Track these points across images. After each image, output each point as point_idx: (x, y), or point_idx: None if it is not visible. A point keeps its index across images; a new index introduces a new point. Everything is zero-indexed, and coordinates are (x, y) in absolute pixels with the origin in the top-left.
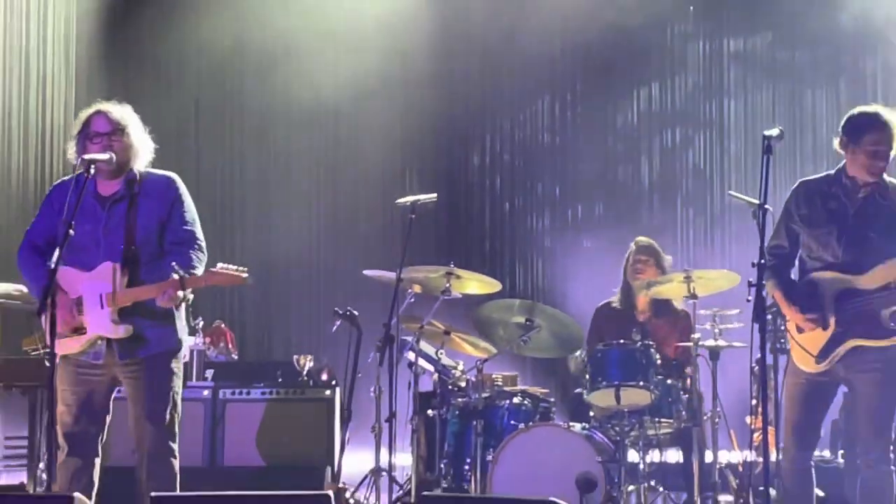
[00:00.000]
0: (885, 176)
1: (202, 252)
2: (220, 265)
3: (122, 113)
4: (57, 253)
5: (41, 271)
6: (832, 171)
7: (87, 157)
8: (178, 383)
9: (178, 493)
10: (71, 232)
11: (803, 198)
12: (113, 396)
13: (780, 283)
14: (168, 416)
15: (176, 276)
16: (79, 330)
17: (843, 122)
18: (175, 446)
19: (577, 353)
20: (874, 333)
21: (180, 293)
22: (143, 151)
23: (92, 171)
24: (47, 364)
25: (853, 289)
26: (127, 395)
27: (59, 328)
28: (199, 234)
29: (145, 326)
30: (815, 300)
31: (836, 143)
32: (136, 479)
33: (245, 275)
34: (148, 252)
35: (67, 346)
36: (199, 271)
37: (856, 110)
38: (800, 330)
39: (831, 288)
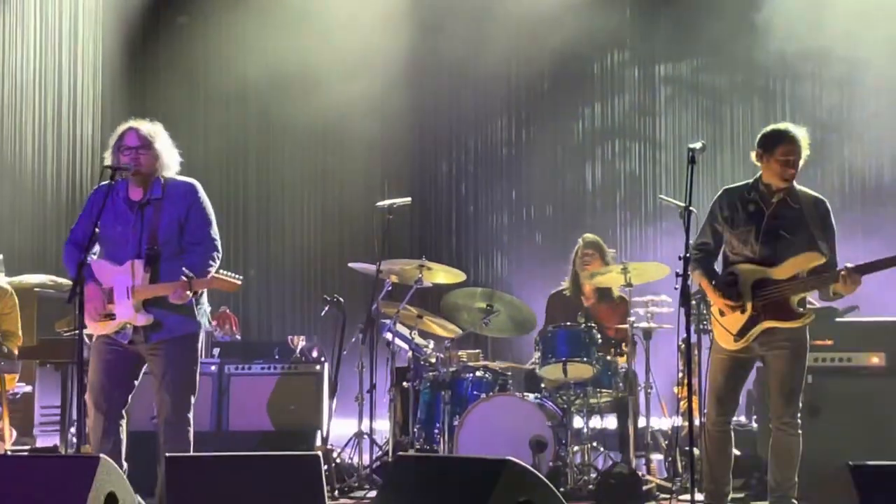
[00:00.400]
0: (794, 183)
1: (217, 251)
2: (222, 272)
3: (151, 129)
4: (87, 250)
5: (74, 264)
6: (750, 180)
7: (106, 164)
8: (194, 362)
9: (189, 453)
10: (96, 230)
11: (726, 202)
12: (141, 372)
13: (706, 273)
14: (183, 391)
15: (185, 278)
16: (110, 316)
17: (758, 137)
18: (190, 416)
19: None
20: (784, 316)
21: (188, 292)
22: (169, 161)
23: (118, 177)
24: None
25: (767, 278)
26: (151, 372)
27: (92, 314)
28: (215, 234)
29: (164, 315)
30: (735, 288)
31: (752, 155)
32: (156, 442)
33: (239, 281)
34: (169, 251)
35: (101, 328)
36: (214, 269)
37: (769, 127)
38: (722, 313)
39: (750, 278)
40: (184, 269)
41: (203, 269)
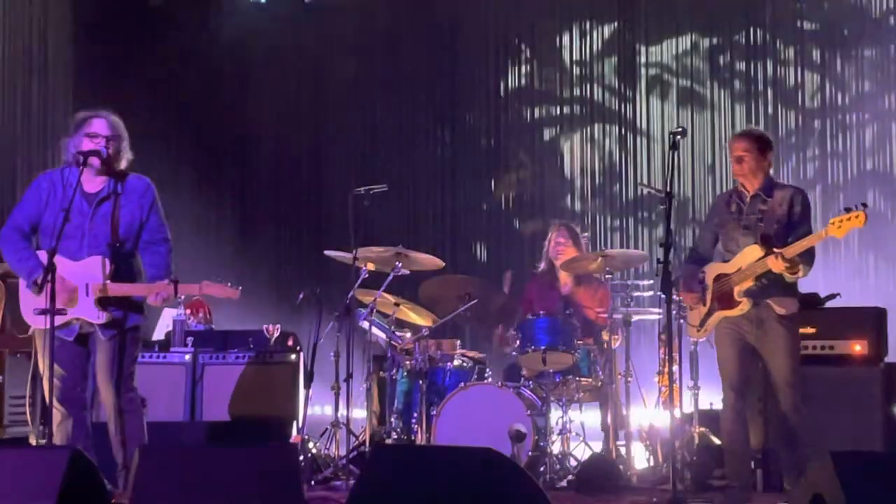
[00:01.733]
0: (772, 178)
1: (171, 252)
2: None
3: (118, 121)
4: (57, 238)
5: (28, 252)
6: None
7: (85, 150)
8: (137, 351)
9: (163, 443)
10: (67, 220)
11: (716, 206)
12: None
13: (688, 272)
14: (130, 379)
15: (167, 282)
16: (60, 311)
17: None
18: (137, 399)
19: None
20: (727, 305)
21: (171, 296)
22: (127, 156)
23: (87, 164)
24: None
25: (722, 273)
26: (97, 364)
27: (40, 308)
28: (169, 236)
29: (119, 311)
30: (702, 284)
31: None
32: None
33: (236, 291)
34: (128, 248)
35: (46, 322)
36: (171, 268)
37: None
38: (690, 308)
39: (712, 274)
40: (165, 266)
41: (169, 270)
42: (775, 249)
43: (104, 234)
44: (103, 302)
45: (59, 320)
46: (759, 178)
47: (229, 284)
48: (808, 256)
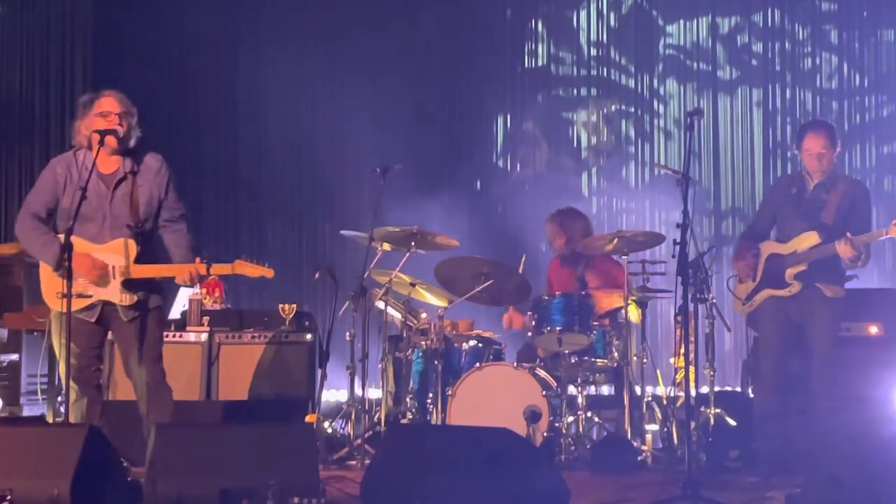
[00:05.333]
0: (836, 167)
1: (190, 229)
2: (245, 259)
3: (126, 98)
4: (73, 220)
5: (49, 237)
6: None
7: (101, 129)
8: (163, 332)
9: (180, 422)
10: (84, 198)
11: (777, 188)
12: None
13: (737, 247)
14: (158, 358)
15: (199, 261)
16: (83, 294)
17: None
18: (167, 381)
19: None
20: (777, 285)
21: (201, 276)
22: (136, 133)
23: (103, 143)
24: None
25: (776, 253)
26: (121, 343)
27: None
28: (185, 211)
29: (143, 292)
30: (756, 259)
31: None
32: (137, 412)
33: (269, 271)
34: (149, 227)
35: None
36: (193, 245)
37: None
38: (740, 281)
39: (766, 252)
40: (202, 252)
41: (194, 248)
42: (849, 235)
43: (124, 214)
44: (129, 284)
45: (81, 303)
46: (828, 170)
47: (266, 264)
48: (869, 249)
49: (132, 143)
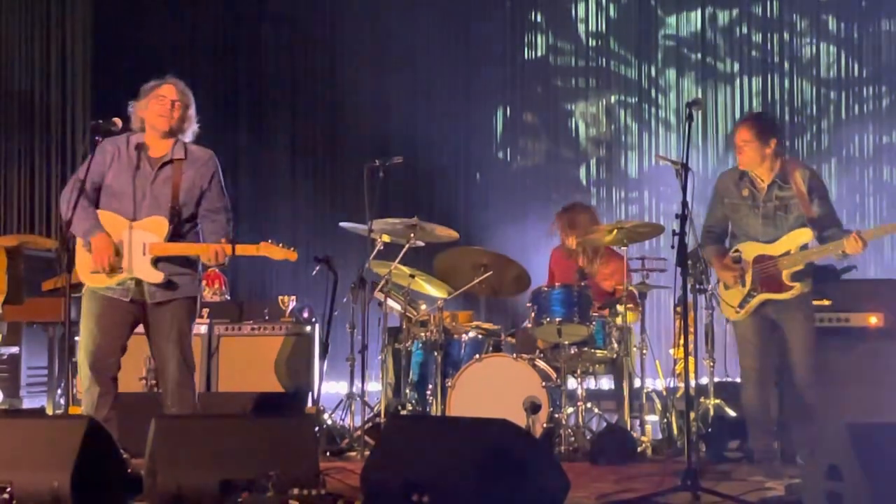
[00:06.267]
0: (788, 162)
1: (230, 222)
2: (271, 241)
3: (186, 88)
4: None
5: (88, 212)
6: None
7: (144, 114)
8: (193, 324)
9: (179, 414)
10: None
11: (725, 186)
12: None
13: (715, 251)
14: (189, 351)
15: (225, 241)
16: (115, 269)
17: None
18: (194, 377)
19: None
20: (776, 288)
21: (226, 256)
22: (193, 126)
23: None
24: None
25: (765, 254)
26: (151, 331)
27: (99, 264)
28: (230, 205)
29: (175, 274)
30: (739, 263)
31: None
32: (156, 403)
33: (293, 253)
34: (187, 213)
35: (98, 280)
36: (231, 235)
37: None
38: (726, 287)
39: (751, 254)
40: (225, 233)
41: (229, 237)
42: (858, 231)
43: (165, 196)
44: (159, 263)
45: (113, 278)
46: (767, 165)
47: (292, 248)
48: None
49: (186, 133)
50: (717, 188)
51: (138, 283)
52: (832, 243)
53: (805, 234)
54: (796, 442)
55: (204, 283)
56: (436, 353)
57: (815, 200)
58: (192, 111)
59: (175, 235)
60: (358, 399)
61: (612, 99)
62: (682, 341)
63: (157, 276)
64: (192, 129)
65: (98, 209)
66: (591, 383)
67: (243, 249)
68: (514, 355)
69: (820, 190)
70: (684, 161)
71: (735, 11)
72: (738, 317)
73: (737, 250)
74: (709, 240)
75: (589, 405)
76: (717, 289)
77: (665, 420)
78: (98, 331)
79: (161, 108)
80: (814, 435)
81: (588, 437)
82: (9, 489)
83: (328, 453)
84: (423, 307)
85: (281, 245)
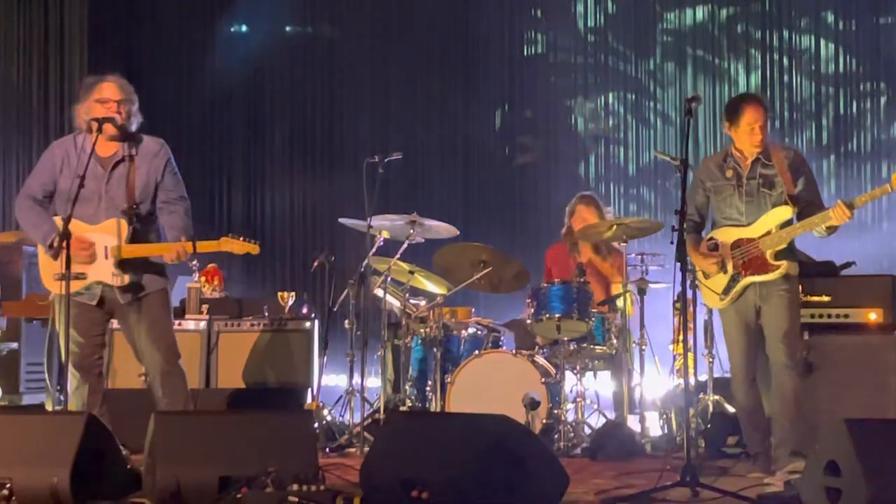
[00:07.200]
0: (771, 142)
1: (188, 211)
2: (231, 236)
3: (127, 84)
4: (71, 204)
5: (43, 217)
6: (727, 148)
7: (99, 118)
8: (170, 315)
9: (180, 409)
10: (82, 186)
11: (706, 171)
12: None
13: (692, 241)
14: (171, 341)
15: (185, 239)
16: (79, 275)
17: (725, 108)
18: (181, 364)
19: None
20: (762, 270)
21: (188, 254)
22: (138, 118)
23: (100, 131)
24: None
25: (743, 238)
26: (128, 330)
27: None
28: (185, 194)
29: (140, 273)
30: (717, 251)
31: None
32: (149, 398)
33: (254, 246)
34: (145, 209)
35: (62, 286)
36: (190, 228)
37: (734, 97)
38: (706, 275)
39: (728, 239)
40: (183, 232)
41: (187, 229)
42: (842, 200)
43: (120, 197)
44: (122, 265)
45: (77, 284)
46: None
47: (253, 241)
48: None
49: (133, 128)
50: (699, 174)
51: (105, 286)
52: (817, 216)
53: (784, 212)
54: (779, 443)
55: (203, 279)
56: (435, 349)
57: (801, 179)
58: (136, 105)
59: (135, 235)
60: (357, 395)
61: (611, 95)
62: (681, 337)
63: (122, 280)
64: (137, 121)
65: (55, 216)
66: (590, 379)
67: (204, 246)
68: (514, 351)
69: (803, 168)
70: (683, 157)
71: (734, 7)
72: (722, 304)
73: (711, 238)
74: (690, 230)
75: (588, 401)
76: (697, 279)
77: (664, 416)
78: (77, 333)
79: (107, 113)
80: (800, 428)
81: (587, 434)
82: (8, 485)
83: (327, 449)
84: (423, 303)
85: (242, 238)
